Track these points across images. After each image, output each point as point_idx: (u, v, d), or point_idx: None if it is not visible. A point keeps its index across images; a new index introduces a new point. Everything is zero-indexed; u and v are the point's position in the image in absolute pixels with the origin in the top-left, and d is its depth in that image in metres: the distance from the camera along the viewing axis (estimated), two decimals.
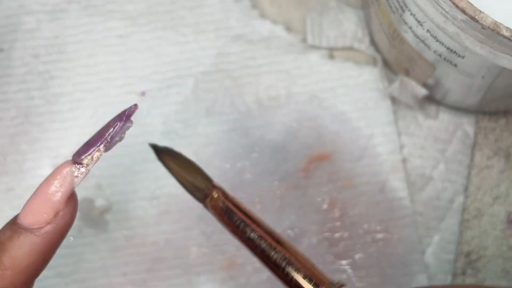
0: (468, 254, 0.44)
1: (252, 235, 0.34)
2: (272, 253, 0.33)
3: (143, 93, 0.46)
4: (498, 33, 0.32)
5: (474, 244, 0.44)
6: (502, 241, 0.44)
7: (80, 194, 0.44)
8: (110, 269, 0.44)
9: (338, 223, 0.44)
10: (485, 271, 0.44)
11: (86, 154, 0.29)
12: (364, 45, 0.47)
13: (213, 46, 0.47)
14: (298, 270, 0.32)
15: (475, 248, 0.44)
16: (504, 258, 0.44)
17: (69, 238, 0.44)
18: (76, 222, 0.44)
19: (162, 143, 0.46)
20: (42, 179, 0.45)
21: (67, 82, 0.46)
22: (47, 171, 0.45)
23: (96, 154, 0.29)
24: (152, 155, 0.46)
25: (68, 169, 0.29)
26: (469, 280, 0.44)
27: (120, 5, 0.47)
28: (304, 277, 0.32)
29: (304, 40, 0.47)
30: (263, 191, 0.45)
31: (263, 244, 0.33)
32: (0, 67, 0.46)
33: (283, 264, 0.33)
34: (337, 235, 0.44)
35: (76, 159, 0.29)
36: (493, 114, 0.46)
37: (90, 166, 0.29)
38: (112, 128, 0.30)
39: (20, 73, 0.46)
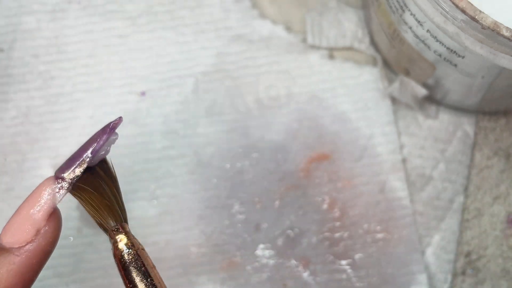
0: (468, 254, 0.44)
1: None
2: None
3: (143, 93, 0.46)
4: (498, 33, 0.32)
5: (474, 244, 0.44)
6: (502, 241, 0.44)
7: None
8: (110, 269, 0.44)
9: (338, 223, 0.44)
10: (485, 271, 0.44)
11: (69, 170, 0.28)
12: (364, 45, 0.47)
13: (213, 46, 0.47)
14: None
15: (475, 248, 0.44)
16: (504, 258, 0.44)
17: (69, 238, 0.44)
18: (76, 222, 0.44)
19: (162, 143, 0.46)
20: (42, 179, 0.45)
21: (67, 82, 0.46)
22: (47, 171, 0.45)
23: (79, 169, 0.28)
24: (152, 154, 0.46)
25: (49, 185, 0.28)
26: (469, 280, 0.44)
27: (120, 5, 0.47)
28: None
29: (304, 40, 0.47)
30: (263, 191, 0.45)
31: None
32: (0, 67, 0.46)
33: None
34: (337, 235, 0.44)
35: (58, 174, 0.28)
36: (493, 114, 0.46)
37: (72, 181, 0.28)
38: (95, 142, 0.29)
39: (20, 73, 0.46)
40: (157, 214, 0.45)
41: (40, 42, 0.47)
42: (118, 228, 0.30)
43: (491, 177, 0.45)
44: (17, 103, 0.46)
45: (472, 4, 0.32)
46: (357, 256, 0.44)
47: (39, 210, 0.28)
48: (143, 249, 0.31)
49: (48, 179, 0.28)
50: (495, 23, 0.32)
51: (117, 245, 0.30)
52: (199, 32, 0.47)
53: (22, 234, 0.27)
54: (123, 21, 0.47)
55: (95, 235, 0.44)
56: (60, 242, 0.44)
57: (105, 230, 0.31)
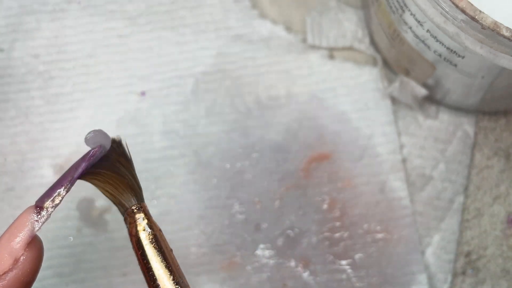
0: (468, 254, 0.44)
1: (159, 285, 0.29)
2: None
3: (143, 93, 0.46)
4: (498, 33, 0.32)
5: (474, 244, 0.44)
6: (502, 241, 0.44)
7: (80, 194, 0.44)
8: (110, 269, 0.44)
9: (338, 223, 0.44)
10: (485, 271, 0.44)
11: (49, 199, 0.29)
12: (364, 45, 0.47)
13: (213, 46, 0.47)
14: None
15: (475, 248, 0.44)
16: (504, 258, 0.44)
17: (69, 238, 0.44)
18: (76, 222, 0.44)
19: (162, 143, 0.46)
20: (42, 179, 0.45)
21: (67, 82, 0.46)
22: (47, 171, 0.45)
23: (58, 198, 0.29)
24: (152, 154, 0.46)
25: (29, 214, 0.28)
26: (469, 280, 0.44)
27: (120, 5, 0.47)
28: None
29: (304, 40, 0.47)
30: (263, 191, 0.45)
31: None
32: (0, 67, 0.46)
33: None
34: (337, 235, 0.44)
35: (39, 204, 0.29)
36: (493, 114, 0.46)
37: (51, 210, 0.29)
38: (75, 171, 0.29)
39: (20, 73, 0.46)
40: (157, 214, 0.44)
41: (40, 42, 0.47)
42: (139, 207, 0.30)
43: (491, 177, 0.45)
44: (17, 103, 0.46)
45: (472, 4, 0.32)
46: (357, 256, 0.44)
47: (17, 239, 0.28)
48: (160, 230, 0.30)
49: (28, 208, 0.29)
50: (495, 23, 0.32)
51: (136, 225, 0.29)
52: (199, 32, 0.47)
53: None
54: (123, 21, 0.47)
55: (95, 235, 0.44)
56: (60, 242, 0.44)
57: (124, 208, 0.30)
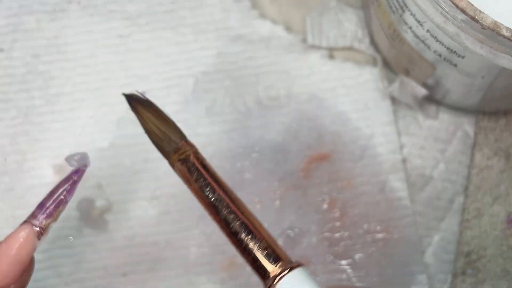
0: (468, 254, 0.44)
1: (215, 201, 0.33)
2: (233, 222, 0.32)
3: (143, 93, 0.46)
4: (498, 33, 0.32)
5: (474, 244, 0.44)
6: (502, 241, 0.44)
7: (80, 194, 0.44)
8: (110, 269, 0.44)
9: (338, 223, 0.44)
10: (485, 271, 0.44)
11: (40, 218, 0.31)
12: (364, 45, 0.47)
13: (213, 46, 0.47)
14: (258, 243, 0.31)
15: (475, 248, 0.44)
16: (504, 258, 0.44)
17: (69, 238, 0.44)
18: (76, 222, 0.44)
19: None
20: (42, 179, 0.45)
21: (67, 82, 0.46)
22: (47, 171, 0.45)
23: (49, 221, 0.31)
24: (152, 154, 0.46)
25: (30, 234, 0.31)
26: (469, 280, 0.44)
27: (120, 5, 0.47)
28: (263, 250, 0.30)
29: (304, 40, 0.47)
30: (263, 191, 0.45)
31: (225, 212, 0.32)
32: (0, 67, 0.46)
33: (243, 235, 0.31)
34: (337, 235, 0.44)
35: (36, 224, 0.31)
36: (493, 114, 0.46)
37: (45, 235, 0.31)
38: (60, 191, 0.32)
39: (20, 73, 0.46)
40: (157, 214, 0.44)
41: (40, 42, 0.47)
42: (187, 142, 0.33)
43: (491, 177, 0.45)
44: (17, 103, 0.46)
45: (472, 4, 0.32)
46: (357, 256, 0.44)
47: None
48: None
49: (31, 230, 0.31)
50: (495, 23, 0.32)
51: (190, 155, 0.33)
52: (199, 32, 0.47)
53: None
54: (123, 21, 0.47)
55: (95, 235, 0.44)
56: (60, 242, 0.44)
57: (174, 144, 0.33)
